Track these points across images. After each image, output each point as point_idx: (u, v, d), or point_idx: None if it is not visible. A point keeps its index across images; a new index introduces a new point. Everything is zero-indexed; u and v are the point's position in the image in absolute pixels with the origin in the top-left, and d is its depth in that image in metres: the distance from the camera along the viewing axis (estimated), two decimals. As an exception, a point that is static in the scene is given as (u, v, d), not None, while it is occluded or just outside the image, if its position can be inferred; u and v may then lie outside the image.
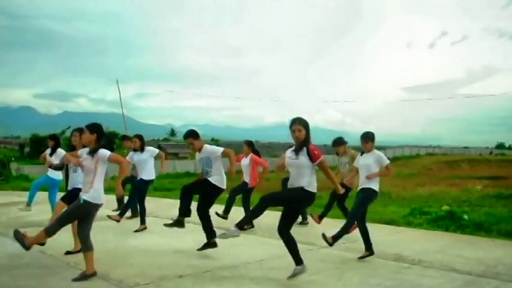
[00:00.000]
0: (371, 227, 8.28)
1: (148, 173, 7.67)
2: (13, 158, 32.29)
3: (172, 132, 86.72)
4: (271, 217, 8.43)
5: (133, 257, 5.63)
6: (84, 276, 4.48)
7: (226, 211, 7.78)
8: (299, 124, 4.50)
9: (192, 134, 5.72)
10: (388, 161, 5.76)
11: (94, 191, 4.50)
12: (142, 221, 7.75)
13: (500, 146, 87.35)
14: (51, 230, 4.44)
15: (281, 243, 6.60)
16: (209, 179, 5.62)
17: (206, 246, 5.65)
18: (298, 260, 4.50)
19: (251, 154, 7.95)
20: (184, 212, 5.68)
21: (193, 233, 6.45)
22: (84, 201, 4.47)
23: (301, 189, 4.44)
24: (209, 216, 5.68)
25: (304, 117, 4.58)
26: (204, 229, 5.69)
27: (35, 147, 41.15)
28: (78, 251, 5.47)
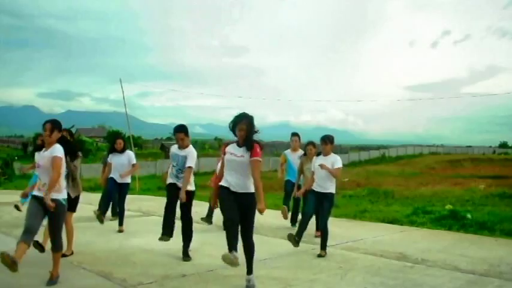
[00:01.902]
0: (374, 225, 8.32)
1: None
2: (16, 157, 32.42)
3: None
4: (273, 216, 8.46)
5: (137, 256, 5.65)
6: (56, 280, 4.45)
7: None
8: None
9: (186, 130, 5.65)
10: (340, 165, 5.84)
11: (63, 189, 4.61)
12: (121, 222, 7.51)
13: (504, 145, 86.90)
14: (59, 245, 4.56)
15: (283, 242, 6.63)
16: (189, 188, 5.63)
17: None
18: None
19: None
20: (171, 230, 5.68)
21: (196, 232, 6.45)
22: (64, 200, 4.60)
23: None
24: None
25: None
26: (188, 234, 5.67)
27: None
28: (71, 253, 5.62)
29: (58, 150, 4.48)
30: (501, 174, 27.67)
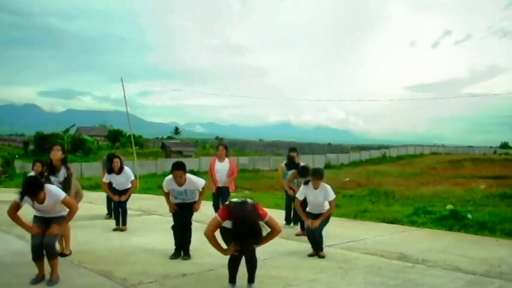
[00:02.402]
0: (375, 225, 8.32)
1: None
2: (17, 156, 32.51)
3: (177, 131, 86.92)
4: (273, 216, 8.45)
5: (137, 256, 5.65)
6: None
7: None
8: None
9: (185, 167, 5.57)
10: (333, 196, 5.83)
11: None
12: (124, 222, 7.68)
13: (505, 145, 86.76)
14: (55, 253, 4.54)
15: (283, 241, 6.63)
16: (190, 201, 5.70)
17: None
18: None
19: (231, 158, 7.87)
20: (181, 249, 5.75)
21: (196, 231, 6.45)
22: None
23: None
24: None
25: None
26: (188, 234, 5.71)
27: (39, 145, 41.40)
28: (68, 254, 5.65)
29: (59, 192, 4.55)
30: (502, 174, 27.64)
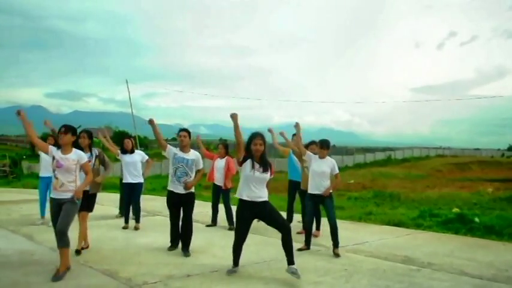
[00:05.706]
0: (380, 228, 8.28)
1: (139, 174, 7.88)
2: (24, 157, 32.75)
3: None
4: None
5: (142, 256, 5.66)
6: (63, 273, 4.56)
7: (214, 220, 8.12)
8: (261, 139, 4.77)
9: (189, 131, 6.02)
10: (338, 170, 6.10)
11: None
12: (137, 219, 7.85)
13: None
14: (66, 241, 4.64)
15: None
16: (193, 191, 5.85)
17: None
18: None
19: (227, 157, 7.97)
20: (178, 240, 5.89)
21: (200, 232, 6.49)
22: (78, 200, 4.78)
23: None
24: None
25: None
26: (188, 234, 5.82)
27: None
28: (87, 247, 5.82)
29: (84, 155, 4.87)
30: (509, 177, 27.41)
